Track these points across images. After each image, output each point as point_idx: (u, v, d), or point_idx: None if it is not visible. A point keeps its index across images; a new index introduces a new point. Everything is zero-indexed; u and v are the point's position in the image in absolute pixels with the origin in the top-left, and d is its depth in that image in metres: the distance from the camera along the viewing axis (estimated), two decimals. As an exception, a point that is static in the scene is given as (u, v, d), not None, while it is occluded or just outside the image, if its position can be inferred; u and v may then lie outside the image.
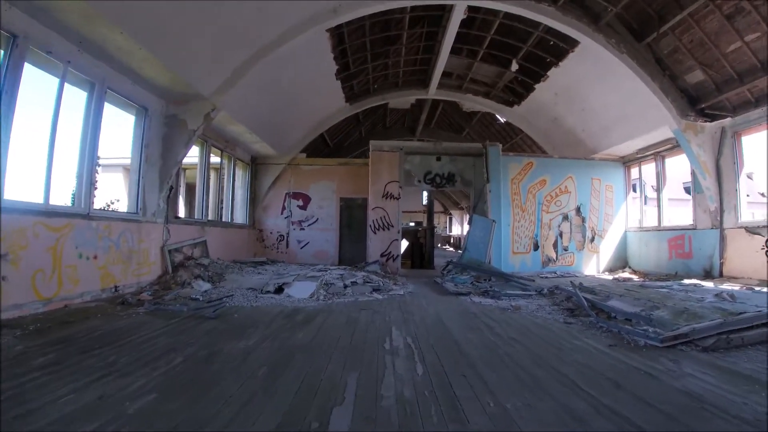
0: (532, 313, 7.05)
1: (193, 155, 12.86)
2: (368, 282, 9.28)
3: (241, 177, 15.73)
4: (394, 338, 5.24)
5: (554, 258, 14.48)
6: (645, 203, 15.53)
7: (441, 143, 13.56)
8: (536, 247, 14.16)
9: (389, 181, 13.15)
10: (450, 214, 43.94)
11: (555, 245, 14.53)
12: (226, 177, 14.31)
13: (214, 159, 13.51)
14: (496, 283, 9.84)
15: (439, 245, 40.32)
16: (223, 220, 13.81)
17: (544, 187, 14.53)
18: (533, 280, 10.13)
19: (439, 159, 13.48)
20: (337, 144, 21.18)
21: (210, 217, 13.35)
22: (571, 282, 8.80)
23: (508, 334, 5.50)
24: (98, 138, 8.15)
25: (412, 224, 23.13)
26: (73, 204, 8.96)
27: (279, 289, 8.61)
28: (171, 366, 4.03)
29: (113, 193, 15.35)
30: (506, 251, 13.39)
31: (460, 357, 4.45)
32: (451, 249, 39.53)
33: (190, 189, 16.63)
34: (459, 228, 42.58)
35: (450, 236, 45.76)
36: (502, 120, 19.18)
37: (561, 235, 14.64)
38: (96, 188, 8.43)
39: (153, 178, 9.83)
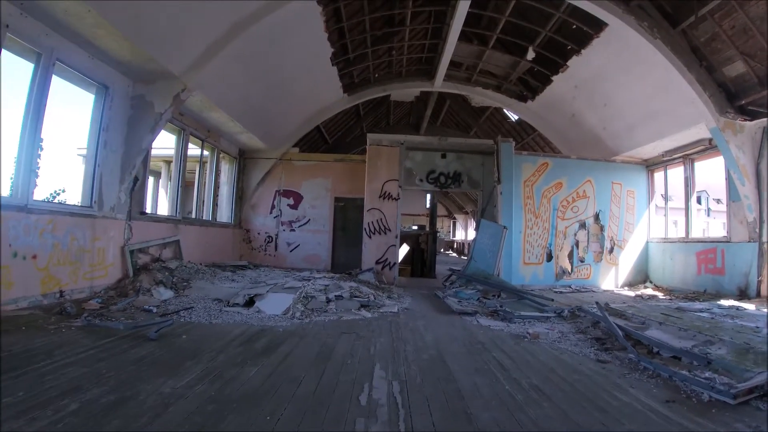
0: (554, 343, 5.69)
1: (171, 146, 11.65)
2: (356, 296, 7.92)
3: (227, 171, 14.46)
4: (375, 384, 3.89)
5: (569, 270, 13.09)
6: (666, 213, 14.12)
7: (446, 139, 12.21)
8: (549, 258, 12.78)
9: (388, 179, 11.82)
10: (454, 218, 42.61)
11: (570, 256, 13.15)
12: (207, 170, 13.02)
13: (194, 150, 12.21)
14: (507, 300, 8.50)
15: (442, 250, 38.98)
16: (204, 218, 12.50)
17: (560, 191, 13.16)
18: (552, 300, 8.71)
19: (444, 156, 12.14)
20: (336, 141, 19.88)
21: (188, 215, 12.05)
22: (596, 303, 7.43)
23: (528, 380, 4.14)
24: (42, 117, 6.89)
25: (415, 227, 21.86)
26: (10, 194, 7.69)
27: (250, 302, 7.31)
28: (55, 418, 2.86)
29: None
30: (516, 261, 12.00)
31: (466, 425, 3.09)
32: (455, 254, 38.17)
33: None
34: (463, 233, 41.22)
35: (453, 241, 44.41)
36: (513, 117, 17.84)
37: (577, 244, 13.26)
38: (38, 176, 7.12)
39: (113, 166, 8.57)
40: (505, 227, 10.17)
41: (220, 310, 6.97)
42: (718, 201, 13.79)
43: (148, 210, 10.09)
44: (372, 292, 8.54)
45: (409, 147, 12.07)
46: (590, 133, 13.90)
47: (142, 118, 8.87)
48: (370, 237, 11.63)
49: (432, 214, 15.40)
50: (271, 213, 14.69)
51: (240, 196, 14.74)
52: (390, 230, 11.61)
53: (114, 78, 8.34)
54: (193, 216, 12.20)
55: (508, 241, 10.92)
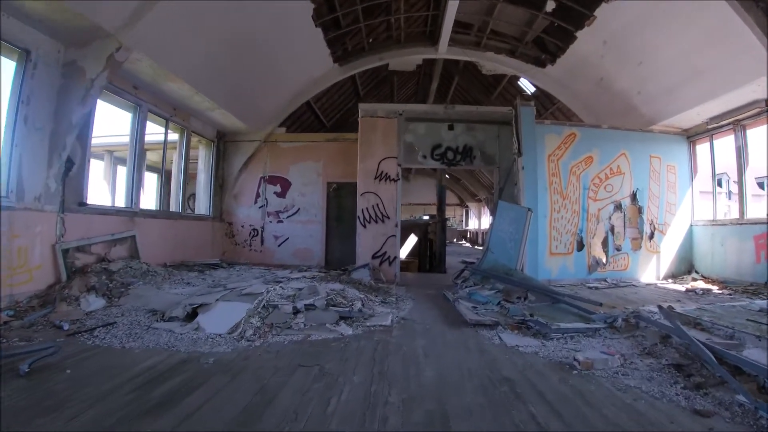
0: (618, 378, 3.75)
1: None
2: (336, 304, 6.01)
3: (204, 157, 12.67)
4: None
5: (603, 261, 11.07)
6: (714, 191, 12.00)
7: (454, 107, 10.18)
8: (581, 247, 10.77)
9: (384, 157, 9.88)
10: (466, 206, 40.48)
11: (605, 243, 11.13)
12: (177, 155, 11.20)
13: (156, 132, 10.41)
14: (537, 305, 6.55)
15: (454, 240, 36.96)
16: (171, 210, 10.70)
17: (590, 167, 11.11)
18: (600, 305, 6.65)
19: (451, 128, 10.16)
20: (336, 124, 17.88)
21: (150, 206, 10.27)
22: (659, 308, 5.46)
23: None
24: None
25: (426, 217, 20.01)
26: None
27: (193, 314, 5.43)
28: None
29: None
30: (542, 252, 10.01)
31: None
32: (468, 244, 36.15)
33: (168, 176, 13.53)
34: (476, 222, 39.14)
35: (466, 230, 42.34)
36: (530, 90, 15.75)
37: (612, 230, 11.23)
38: None
39: (37, 147, 6.83)
40: (529, 210, 8.18)
41: (147, 326, 5.14)
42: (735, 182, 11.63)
43: (96, 201, 8.28)
44: (361, 297, 6.64)
45: (410, 118, 10.10)
46: (622, 100, 11.81)
47: (74, 87, 7.10)
48: (364, 227, 9.73)
49: (440, 200, 13.37)
50: (255, 203, 12.87)
51: (220, 185, 12.93)
52: (389, 218, 9.70)
53: (38, 41, 6.63)
54: (157, 208, 10.40)
55: (532, 227, 8.93)
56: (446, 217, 13.19)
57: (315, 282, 7.43)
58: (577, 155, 11.01)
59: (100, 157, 15.62)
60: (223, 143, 12.94)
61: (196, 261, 10.48)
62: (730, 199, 28.49)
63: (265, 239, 12.70)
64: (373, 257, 9.63)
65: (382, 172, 9.80)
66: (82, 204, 7.71)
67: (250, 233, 12.82)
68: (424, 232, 13.33)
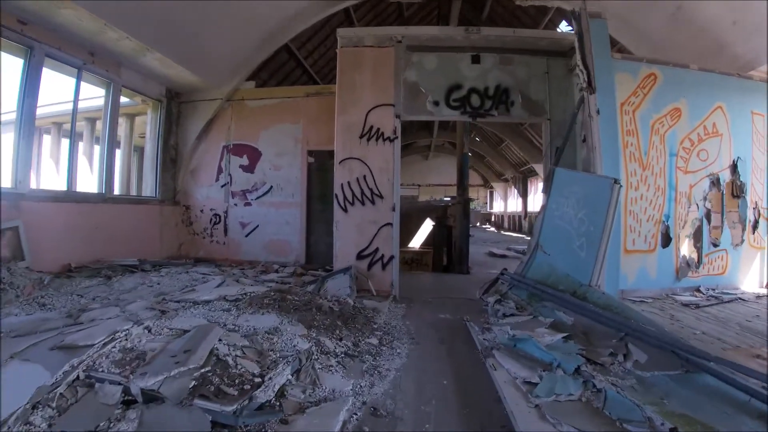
0: None
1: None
2: (213, 389, 2.64)
3: (150, 122, 9.42)
4: None
5: (696, 262, 7.51)
6: None
7: (479, 30, 6.52)
8: (666, 241, 7.18)
9: (375, 105, 6.39)
10: (491, 187, 36.50)
11: (698, 236, 7.55)
12: (104, 118, 8.04)
13: (64, 84, 7.21)
14: (653, 376, 3.11)
15: (477, 223, 33.25)
16: (79, 190, 7.51)
17: (677, 123, 7.49)
18: None
19: (477, 60, 6.54)
20: (332, 78, 14.21)
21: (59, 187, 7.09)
22: None
23: None
24: None
25: (447, 199, 16.67)
26: None
27: None
28: None
29: None
30: (614, 248, 6.42)
31: None
32: (492, 229, 32.42)
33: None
34: (501, 204, 35.28)
35: (491, 214, 38.50)
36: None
37: (708, 216, 7.65)
38: None
39: None
40: (616, 181, 4.58)
41: None
42: None
43: None
44: (302, 350, 3.32)
45: (413, 46, 6.53)
46: (706, 36, 8.04)
47: None
48: (345, 210, 6.29)
49: (461, 173, 9.61)
50: (217, 180, 9.58)
51: (173, 158, 9.67)
52: (381, 197, 6.24)
53: None
54: (67, 189, 7.22)
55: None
56: (469, 197, 9.59)
57: (234, 310, 4.10)
58: (660, 106, 7.39)
59: None
60: (176, 104, 9.67)
61: (114, 261, 7.26)
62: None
63: (230, 227, 9.43)
64: (359, 257, 6.22)
65: (371, 127, 6.33)
66: None
67: (211, 220, 9.57)
68: (441, 218, 9.85)
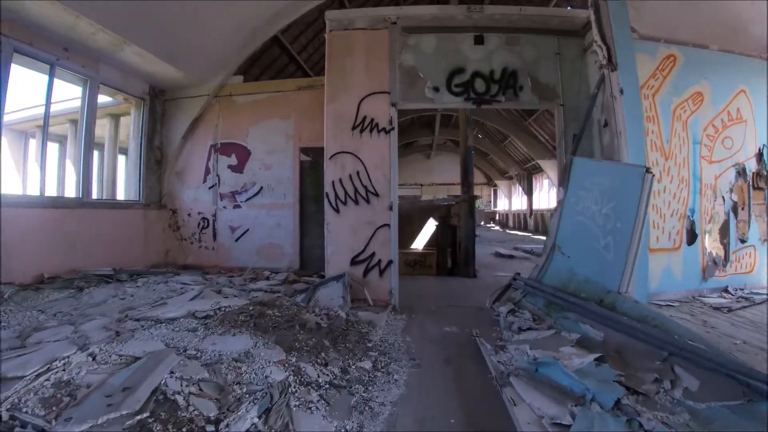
0: None
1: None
2: None
3: (134, 121, 8.86)
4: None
5: (723, 259, 6.84)
6: None
7: (482, 8, 5.82)
8: (692, 238, 6.49)
9: (369, 93, 5.70)
10: (495, 185, 35.72)
11: (724, 232, 6.88)
12: (81, 117, 7.45)
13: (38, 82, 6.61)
14: (709, 409, 2.42)
15: (482, 222, 32.50)
16: (57, 195, 6.89)
17: (700, 108, 6.84)
18: None
19: (480, 40, 5.84)
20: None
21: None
22: None
23: None
24: None
25: (448, 197, 15.95)
26: None
27: None
28: None
29: None
30: (642, 247, 5.71)
31: None
32: (497, 227, 31.67)
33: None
34: (506, 202, 34.52)
35: (495, 212, 37.73)
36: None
37: (734, 209, 6.99)
38: None
39: None
40: (648, 170, 3.87)
41: None
42: None
43: None
44: (275, 382, 2.64)
45: (410, 28, 5.84)
46: (724, 14, 7.34)
47: None
48: (337, 210, 5.61)
49: (465, 169, 8.85)
50: (205, 181, 8.94)
51: (158, 160, 9.04)
52: (377, 195, 5.55)
53: None
54: (40, 194, 6.61)
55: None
56: (475, 194, 8.88)
57: (201, 329, 3.46)
58: (681, 89, 6.74)
59: None
60: (161, 102, 9.05)
61: (89, 271, 6.62)
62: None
63: (219, 232, 8.78)
64: (353, 263, 5.53)
65: (364, 117, 5.64)
66: None
67: (199, 224, 8.93)
68: (445, 217, 9.16)
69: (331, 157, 5.62)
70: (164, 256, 9.03)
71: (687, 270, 6.50)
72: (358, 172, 5.57)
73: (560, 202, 4.80)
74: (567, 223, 4.68)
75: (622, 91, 4.64)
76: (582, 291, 4.29)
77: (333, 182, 5.58)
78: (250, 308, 4.38)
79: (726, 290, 6.75)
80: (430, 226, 11.32)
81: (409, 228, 11.85)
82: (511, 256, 11.19)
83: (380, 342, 4.10)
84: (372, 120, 5.60)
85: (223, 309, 4.38)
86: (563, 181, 4.81)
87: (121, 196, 9.03)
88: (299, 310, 4.56)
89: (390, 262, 5.48)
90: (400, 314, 5.20)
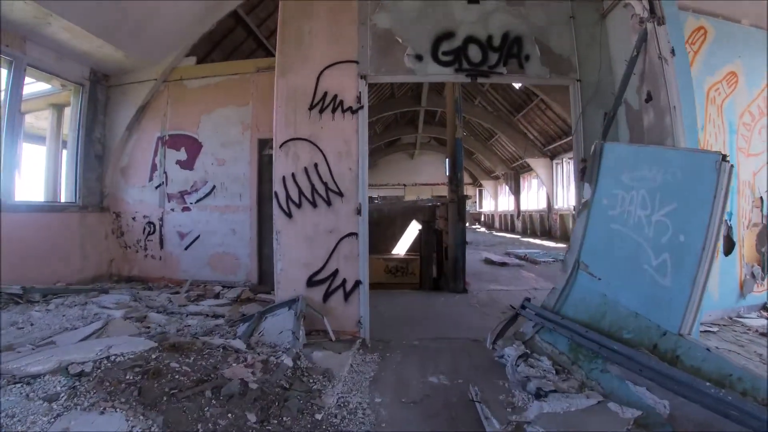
0: None
1: None
2: None
3: (73, 110, 7.46)
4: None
5: (762, 273, 5.63)
6: None
7: None
8: (729, 247, 5.19)
9: (332, 62, 4.30)
10: (480, 185, 34.45)
11: (762, 239, 5.67)
12: (3, 104, 5.99)
13: None
14: None
15: (467, 224, 31.24)
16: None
17: (735, 90, 5.63)
18: None
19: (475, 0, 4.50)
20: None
21: None
22: None
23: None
24: None
25: (428, 198, 14.52)
26: None
27: None
28: None
29: None
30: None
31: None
32: (483, 229, 30.45)
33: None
34: (492, 203, 33.33)
35: (480, 213, 36.54)
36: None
37: (775, 211, 5.81)
38: None
39: None
40: (725, 159, 2.61)
41: None
42: None
43: None
44: None
45: (385, -18, 4.48)
46: None
47: None
48: (288, 215, 4.16)
49: (454, 161, 7.27)
50: (151, 180, 7.49)
51: (98, 155, 7.59)
52: (341, 195, 4.15)
53: None
54: None
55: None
56: (465, 193, 7.45)
57: (63, 397, 2.08)
58: (713, 68, 5.51)
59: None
60: (103, 89, 7.59)
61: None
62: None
63: (166, 238, 7.34)
64: (311, 283, 4.13)
65: (325, 94, 4.24)
66: None
67: (145, 229, 7.48)
68: (429, 221, 7.79)
69: (282, 145, 4.20)
70: (108, 266, 7.61)
71: (724, 286, 5.24)
72: (316, 165, 4.17)
73: (585, 204, 3.46)
74: (597, 233, 3.35)
75: (673, 52, 3.33)
76: (623, 329, 2.96)
77: (284, 178, 4.16)
78: (152, 357, 2.98)
79: (765, 308, 5.55)
80: (413, 230, 10.01)
81: (390, 231, 10.47)
82: (503, 263, 9.87)
83: (337, 409, 2.73)
84: (335, 97, 4.21)
85: (112, 359, 2.96)
86: (588, 174, 3.48)
87: (63, 198, 7.57)
88: (225, 355, 3.17)
89: (358, 283, 4.08)
90: (371, 352, 3.82)
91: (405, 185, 31.92)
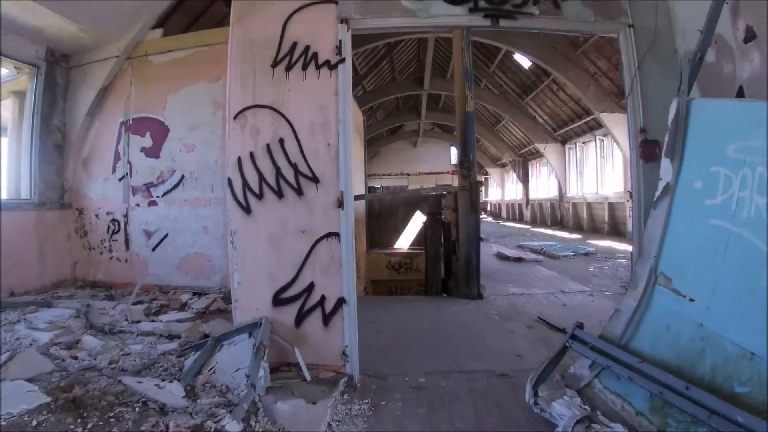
0: None
1: None
2: None
3: (29, 96, 6.53)
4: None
5: None
6: None
7: None
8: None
9: (302, 4, 3.18)
10: (486, 173, 33.16)
11: None
12: None
13: None
14: None
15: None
16: None
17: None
18: None
19: None
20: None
21: None
22: None
23: None
24: None
25: (431, 187, 13.41)
26: None
27: None
28: None
29: None
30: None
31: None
32: (489, 218, 29.31)
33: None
34: (498, 191, 32.14)
35: (486, 202, 35.34)
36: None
37: None
38: None
39: None
40: None
41: None
42: None
43: None
44: None
45: None
46: None
47: None
48: (246, 210, 3.07)
49: (465, 143, 6.08)
50: (114, 171, 6.44)
51: (58, 144, 6.58)
52: (317, 180, 3.04)
53: None
54: None
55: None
56: (478, 179, 6.19)
57: None
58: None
59: None
60: (63, 71, 6.57)
61: None
62: None
63: (132, 237, 6.30)
64: (278, 301, 3.03)
65: (294, 45, 3.11)
66: None
67: (109, 228, 6.45)
68: (435, 212, 6.65)
69: (237, 116, 3.07)
70: (71, 270, 6.65)
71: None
72: (282, 141, 3.05)
73: (665, 189, 2.34)
74: (685, 232, 2.23)
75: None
76: (734, 379, 1.86)
77: (239, 160, 3.05)
78: (33, 422, 1.91)
79: None
80: (417, 222, 8.94)
81: (391, 222, 9.43)
82: (518, 258, 8.73)
83: None
84: (306, 49, 3.07)
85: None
86: (669, 146, 2.36)
87: (24, 194, 6.54)
88: (140, 419, 2.09)
89: (341, 302, 2.98)
90: (361, 398, 2.72)
91: (408, 174, 30.74)
